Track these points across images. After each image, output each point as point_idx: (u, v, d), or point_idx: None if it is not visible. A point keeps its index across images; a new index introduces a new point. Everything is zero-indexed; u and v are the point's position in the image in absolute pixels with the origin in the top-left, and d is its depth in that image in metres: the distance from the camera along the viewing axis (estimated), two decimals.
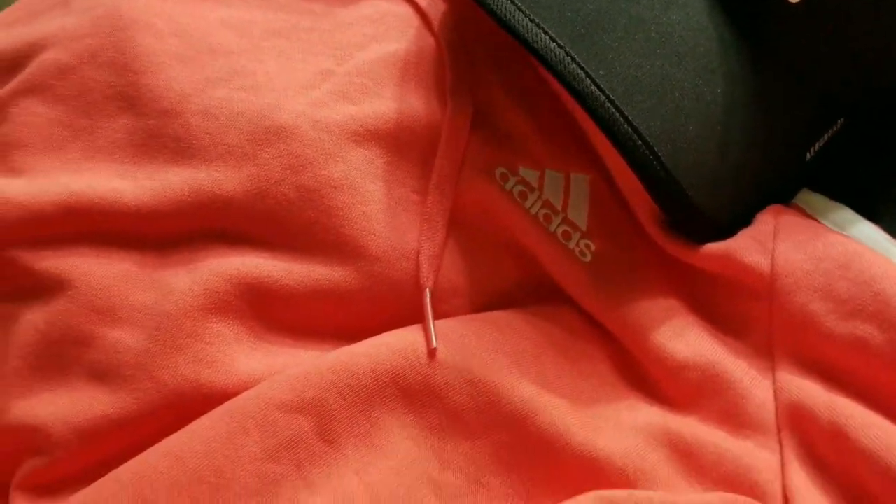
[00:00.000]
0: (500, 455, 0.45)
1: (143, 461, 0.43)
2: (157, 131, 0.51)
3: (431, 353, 0.46)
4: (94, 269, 0.49)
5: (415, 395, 0.46)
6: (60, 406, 0.47)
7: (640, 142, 0.45)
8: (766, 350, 0.48)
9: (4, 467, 0.49)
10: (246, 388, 0.46)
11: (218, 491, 0.42)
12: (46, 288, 0.50)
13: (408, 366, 0.46)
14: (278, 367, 0.47)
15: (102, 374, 0.48)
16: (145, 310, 0.48)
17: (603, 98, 0.45)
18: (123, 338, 0.47)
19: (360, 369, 0.45)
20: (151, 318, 0.48)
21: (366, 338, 0.48)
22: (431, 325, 0.47)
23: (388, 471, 0.44)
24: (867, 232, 0.49)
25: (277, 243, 0.49)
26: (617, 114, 0.45)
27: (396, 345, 0.46)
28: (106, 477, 0.43)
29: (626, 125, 0.45)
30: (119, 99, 0.52)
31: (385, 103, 0.51)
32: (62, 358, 0.48)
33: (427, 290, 0.48)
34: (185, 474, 0.42)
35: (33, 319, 0.49)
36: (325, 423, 0.44)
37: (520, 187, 0.51)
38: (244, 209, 0.49)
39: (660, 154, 0.45)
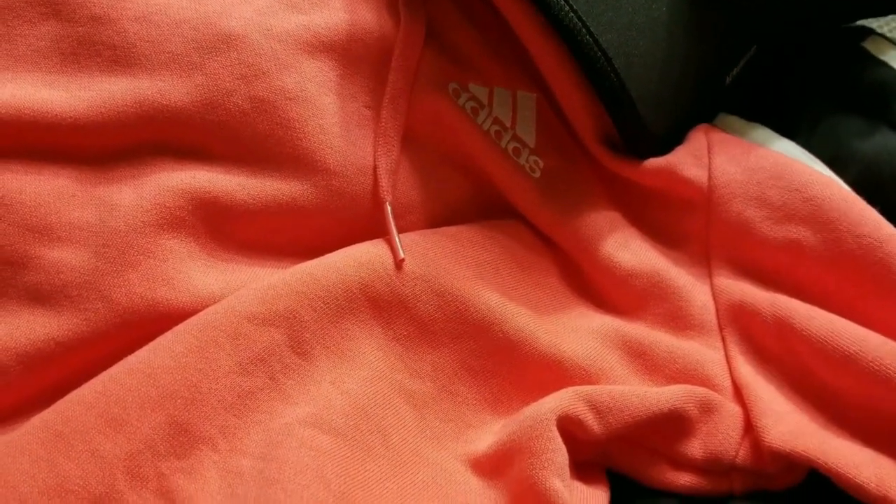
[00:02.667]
0: (467, 363, 0.46)
1: (106, 380, 0.41)
2: (89, 38, 0.47)
3: (399, 264, 0.46)
4: (24, 186, 0.45)
5: (383, 306, 0.46)
6: None
7: (599, 53, 0.47)
8: (703, 259, 0.51)
9: None
10: (203, 307, 0.44)
11: (194, 405, 0.41)
12: None
13: (376, 277, 0.46)
14: (236, 286, 0.46)
15: (44, 297, 0.44)
16: (88, 227, 0.45)
17: (567, 8, 0.46)
18: (65, 257, 0.44)
19: (328, 281, 0.45)
20: (96, 236, 0.45)
21: (324, 255, 0.47)
22: (396, 237, 0.47)
23: (361, 380, 0.44)
24: (786, 147, 0.53)
25: (229, 157, 0.47)
26: (580, 24, 0.46)
27: (363, 257, 0.46)
28: (66, 398, 0.40)
29: (587, 35, 0.46)
30: (41, 5, 0.48)
31: (335, 14, 0.50)
32: None
33: (388, 203, 0.48)
34: (156, 390, 0.40)
35: None
36: (297, 334, 0.44)
37: (471, 103, 0.51)
38: (193, 121, 0.47)
39: (616, 66, 0.47)
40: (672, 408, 0.43)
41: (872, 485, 0.38)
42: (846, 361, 0.42)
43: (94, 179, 0.47)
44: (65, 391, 0.42)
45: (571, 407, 0.42)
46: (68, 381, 0.42)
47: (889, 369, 0.40)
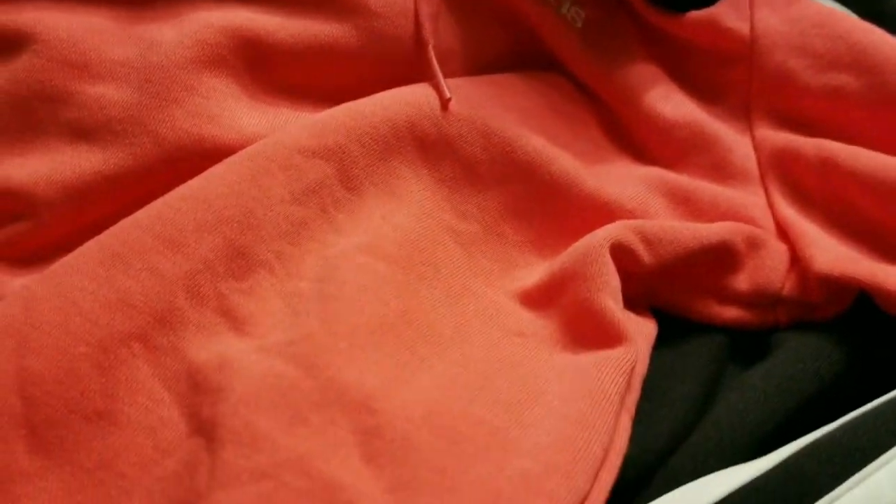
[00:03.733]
0: (512, 205, 0.46)
1: (160, 205, 0.40)
2: None
3: (445, 104, 0.46)
4: (59, 23, 0.44)
5: (429, 147, 0.45)
6: (42, 166, 0.43)
7: None
8: (744, 111, 0.51)
9: None
10: (249, 145, 0.44)
11: (250, 230, 0.40)
12: (5, 44, 0.45)
13: (423, 116, 0.45)
14: (280, 127, 0.45)
15: (87, 132, 0.44)
16: (129, 63, 0.44)
17: None
18: (107, 93, 0.44)
19: (376, 118, 0.44)
20: (138, 72, 0.44)
21: None
22: (441, 78, 0.46)
23: (411, 216, 0.44)
24: (826, 2, 0.53)
25: None
26: None
27: (409, 97, 0.46)
28: (120, 223, 0.40)
29: None
30: None
31: None
32: (34, 116, 0.44)
33: (430, 45, 0.47)
34: (212, 214, 0.40)
35: None
36: (347, 169, 0.43)
37: None
38: None
39: None
40: (721, 240, 0.43)
41: None
42: (893, 191, 0.42)
43: (132, 18, 0.46)
44: (104, 229, 0.41)
45: (623, 236, 0.42)
46: (118, 216, 0.42)
47: None
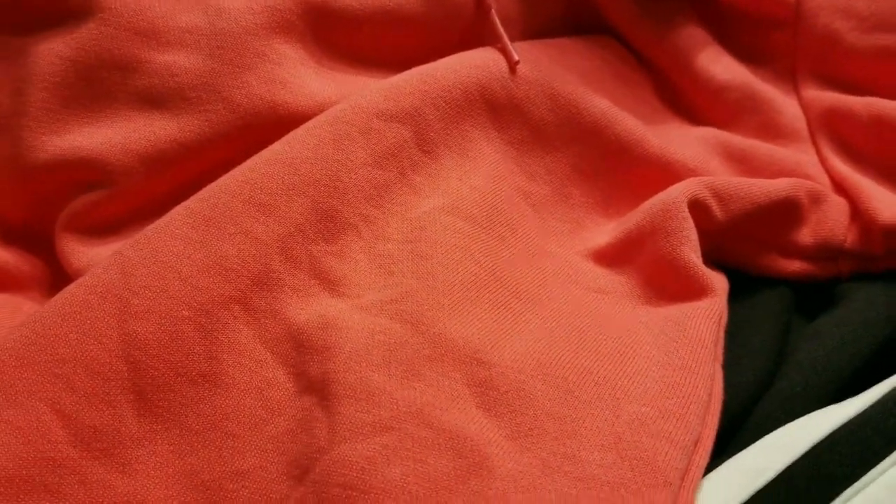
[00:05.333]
0: (580, 166, 0.47)
1: (246, 170, 0.41)
2: None
3: (513, 67, 0.46)
4: None
5: (499, 109, 0.46)
6: (114, 135, 0.43)
7: None
8: (789, 75, 0.53)
9: (45, 210, 0.44)
10: (321, 111, 0.44)
11: (336, 193, 0.41)
12: (70, 13, 0.44)
13: (492, 79, 0.46)
14: (347, 94, 0.46)
15: (159, 100, 0.44)
16: (198, 31, 0.44)
17: None
18: (178, 60, 0.44)
19: (448, 82, 0.45)
20: (208, 39, 0.44)
21: None
22: (508, 41, 0.47)
23: (486, 177, 0.44)
24: None
25: None
26: None
27: (479, 61, 0.46)
28: (207, 188, 0.40)
29: None
30: None
31: None
32: (102, 85, 0.44)
33: (493, 9, 0.48)
34: (298, 178, 0.40)
35: (54, 48, 0.44)
36: (423, 132, 0.44)
37: None
38: None
39: None
40: (787, 195, 0.45)
41: None
42: None
43: None
44: (193, 193, 0.41)
45: (700, 192, 0.43)
46: (194, 184, 0.42)
47: None
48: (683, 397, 0.34)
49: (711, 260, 0.46)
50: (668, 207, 0.42)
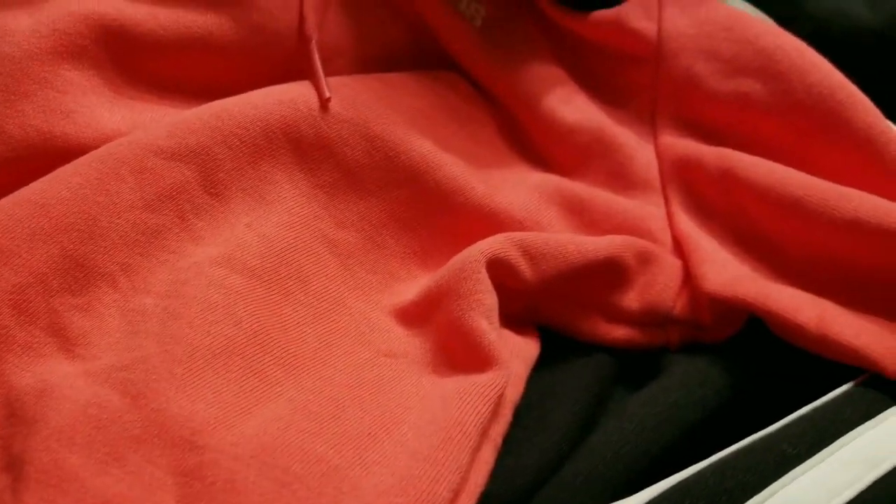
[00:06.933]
0: (396, 213, 0.43)
1: None
2: None
3: (324, 104, 0.43)
4: None
5: (306, 149, 0.42)
6: None
7: None
8: (649, 116, 0.49)
9: None
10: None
11: (91, 239, 0.37)
12: None
13: (299, 117, 0.42)
14: (145, 125, 0.42)
15: None
16: None
17: None
18: None
19: (246, 118, 0.41)
20: None
21: None
22: (322, 76, 0.43)
23: (280, 226, 0.41)
24: (739, 5, 0.51)
25: None
26: None
27: (286, 96, 0.42)
28: None
29: None
30: None
31: None
32: None
33: (313, 40, 0.44)
34: (49, 221, 0.37)
35: None
36: (210, 173, 0.40)
37: None
38: None
39: None
40: (609, 255, 0.41)
41: (812, 324, 0.37)
42: (792, 206, 0.40)
43: None
44: None
45: (503, 251, 0.39)
46: None
47: (834, 210, 0.39)
48: (416, 494, 0.30)
49: (533, 321, 0.43)
50: (464, 267, 0.38)
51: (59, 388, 0.33)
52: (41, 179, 0.38)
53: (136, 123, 0.42)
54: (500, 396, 0.35)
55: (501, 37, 0.49)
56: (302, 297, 0.39)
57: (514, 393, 0.37)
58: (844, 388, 0.36)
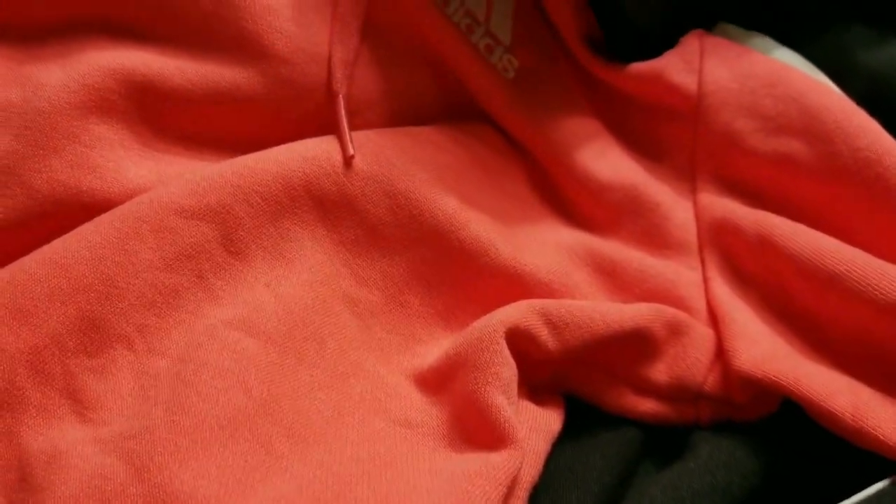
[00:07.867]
0: (419, 272, 0.43)
1: (15, 269, 0.37)
2: None
3: (348, 161, 0.42)
4: None
5: (329, 206, 0.42)
6: None
7: None
8: (688, 173, 0.47)
9: None
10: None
11: (109, 300, 0.37)
12: None
13: (322, 174, 0.42)
14: (169, 178, 0.42)
15: None
16: (10, 108, 0.41)
17: None
18: None
19: (268, 175, 0.41)
20: (18, 117, 0.41)
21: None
22: (347, 132, 0.43)
23: (300, 285, 0.40)
24: (786, 56, 0.48)
25: (169, 37, 0.43)
26: None
27: (309, 152, 0.42)
28: None
29: None
30: None
31: None
32: None
33: (340, 95, 0.44)
34: (68, 282, 0.37)
35: None
36: (230, 231, 0.40)
37: None
38: None
39: None
40: (636, 326, 0.39)
41: (848, 414, 0.35)
42: (830, 281, 0.38)
43: (22, 57, 0.43)
44: None
45: (524, 320, 0.38)
46: None
47: (876, 289, 0.36)
48: None
49: (560, 389, 0.41)
50: (483, 336, 0.37)
51: (67, 455, 0.33)
52: (62, 237, 0.39)
53: (162, 176, 0.42)
54: (514, 478, 0.34)
55: (534, 88, 0.48)
56: (318, 360, 0.39)
57: (531, 473, 0.36)
58: (879, 485, 0.34)
